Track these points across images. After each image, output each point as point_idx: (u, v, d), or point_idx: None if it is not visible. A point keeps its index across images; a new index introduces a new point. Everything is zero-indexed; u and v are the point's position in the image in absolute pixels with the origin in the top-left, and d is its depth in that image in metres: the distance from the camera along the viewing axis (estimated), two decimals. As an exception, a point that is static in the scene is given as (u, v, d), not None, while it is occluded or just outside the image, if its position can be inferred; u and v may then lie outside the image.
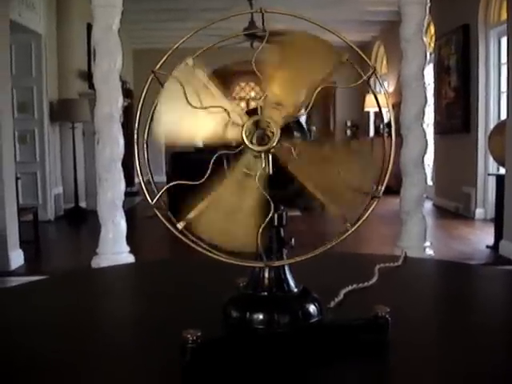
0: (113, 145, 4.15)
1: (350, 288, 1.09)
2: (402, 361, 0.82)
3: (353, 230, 0.83)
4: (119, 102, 4.22)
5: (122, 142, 4.24)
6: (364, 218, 0.83)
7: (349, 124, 12.20)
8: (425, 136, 4.26)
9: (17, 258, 4.44)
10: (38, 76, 6.62)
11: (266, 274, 0.85)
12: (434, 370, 0.79)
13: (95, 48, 4.08)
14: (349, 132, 12.18)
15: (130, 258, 4.20)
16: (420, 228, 4.30)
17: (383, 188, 0.83)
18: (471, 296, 1.17)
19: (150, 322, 0.98)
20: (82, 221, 6.77)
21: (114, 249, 4.18)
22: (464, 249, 5.08)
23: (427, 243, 4.36)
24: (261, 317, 0.81)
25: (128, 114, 9.53)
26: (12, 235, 4.38)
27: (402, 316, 0.96)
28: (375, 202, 0.83)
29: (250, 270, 0.87)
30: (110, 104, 4.13)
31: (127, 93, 9.79)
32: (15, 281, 4.05)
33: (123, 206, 4.31)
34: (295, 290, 0.85)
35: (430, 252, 4.33)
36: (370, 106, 10.55)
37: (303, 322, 0.82)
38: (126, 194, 9.51)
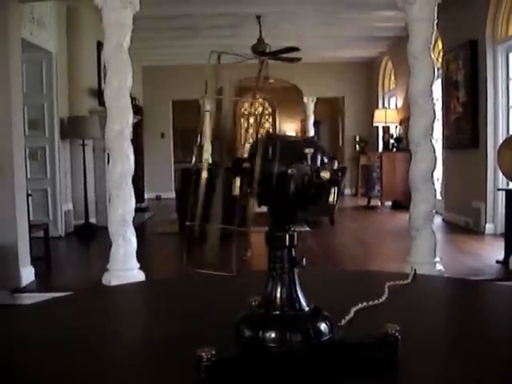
0: (123, 161, 4.18)
1: (360, 306, 1.10)
2: (412, 379, 0.84)
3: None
4: (129, 119, 4.26)
5: (132, 158, 4.27)
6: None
7: (357, 139, 12.22)
8: (434, 151, 4.27)
9: (28, 275, 4.46)
10: (48, 93, 6.69)
11: (278, 294, 0.87)
12: (444, 388, 0.81)
13: (106, 66, 4.14)
14: (358, 147, 12.19)
15: (141, 275, 4.22)
16: (430, 244, 4.30)
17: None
18: (481, 313, 1.18)
19: (163, 341, 1.00)
20: (92, 237, 6.81)
21: (125, 265, 4.20)
22: (474, 264, 5.06)
23: (437, 259, 4.35)
24: (273, 335, 0.83)
25: (137, 130, 9.64)
26: (23, 252, 4.42)
27: (411, 334, 0.97)
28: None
29: (263, 289, 0.89)
30: (121, 121, 4.17)
31: (137, 109, 9.89)
32: (27, 297, 4.09)
33: (133, 222, 4.33)
34: (306, 308, 0.87)
35: (439, 267, 4.32)
36: (379, 121, 10.57)
37: (315, 341, 0.83)
38: (136, 210, 9.57)
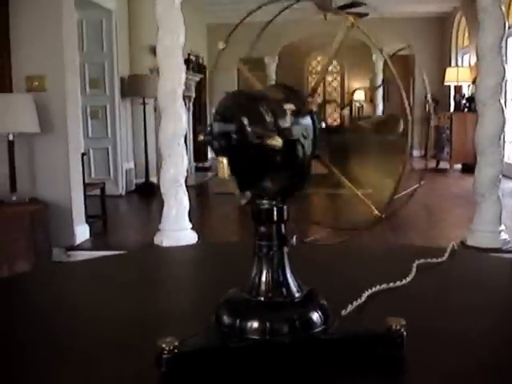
0: (176, 121, 4.10)
1: (375, 289, 0.96)
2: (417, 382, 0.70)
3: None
4: (182, 77, 4.15)
5: (184, 118, 4.20)
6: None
7: (428, 98, 11.72)
8: (503, 112, 3.98)
9: (83, 233, 4.50)
10: (108, 52, 6.67)
11: (264, 277, 0.74)
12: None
13: (158, 23, 4.03)
14: (428, 107, 11.70)
15: (193, 236, 4.18)
16: (495, 211, 4.05)
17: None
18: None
19: (131, 323, 0.90)
20: (151, 196, 6.83)
21: (177, 226, 4.17)
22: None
23: (502, 227, 4.10)
24: (253, 325, 0.71)
25: (200, 88, 9.56)
26: (78, 210, 4.45)
27: (428, 327, 0.83)
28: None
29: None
30: (173, 80, 4.08)
31: (200, 67, 9.80)
32: (79, 255, 4.12)
33: (186, 182, 4.27)
34: (297, 294, 0.74)
35: (504, 236, 4.08)
36: (451, 80, 10.09)
37: (302, 333, 0.71)
38: (198, 169, 9.59)
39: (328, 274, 0.96)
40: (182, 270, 1.28)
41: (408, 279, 1.03)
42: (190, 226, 4.24)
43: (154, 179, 7.35)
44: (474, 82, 9.49)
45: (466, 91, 10.03)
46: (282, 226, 0.74)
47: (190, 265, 1.33)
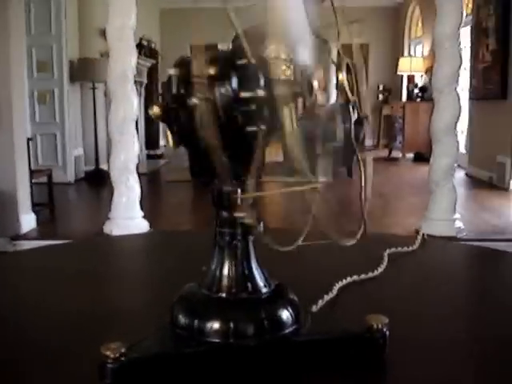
0: (126, 105, 3.95)
1: (347, 281, 0.88)
2: (402, 390, 0.62)
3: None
4: (133, 60, 3.99)
5: (135, 102, 4.04)
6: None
7: (381, 88, 11.79)
8: (458, 100, 3.96)
9: (28, 222, 4.31)
10: (57, 34, 6.42)
11: (226, 270, 0.64)
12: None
13: (108, 3, 3.86)
14: (381, 96, 11.77)
15: (144, 224, 4.05)
16: (449, 199, 4.05)
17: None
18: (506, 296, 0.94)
19: (73, 324, 0.79)
20: (102, 183, 6.61)
21: (127, 214, 4.02)
22: (497, 222, 4.79)
23: (456, 215, 4.11)
24: (213, 326, 0.61)
25: (152, 74, 9.33)
26: (23, 198, 4.25)
27: (408, 323, 0.75)
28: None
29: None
30: (124, 62, 3.92)
31: (151, 52, 9.57)
32: (25, 244, 3.93)
33: (137, 170, 4.13)
34: (264, 290, 0.64)
35: (458, 225, 4.08)
36: (404, 70, 10.15)
37: (270, 334, 0.61)
38: (150, 157, 9.40)
39: (292, 265, 0.86)
40: (133, 262, 1.16)
41: (380, 269, 0.95)
42: (142, 214, 4.11)
43: (104, 166, 7.14)
44: (426, 71, 9.58)
45: (419, 81, 10.11)
46: (248, 211, 0.64)
47: (142, 256, 1.22)
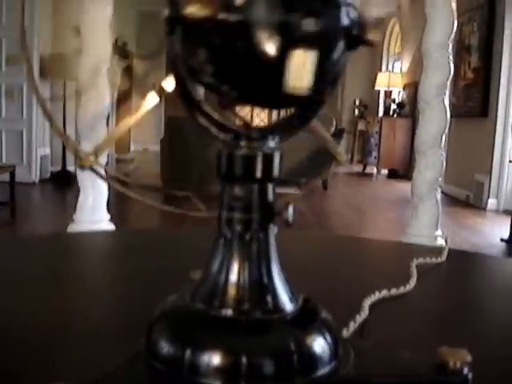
0: (97, 100, 3.70)
1: (376, 296, 0.67)
2: None
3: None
4: (107, 55, 3.73)
5: (108, 99, 3.80)
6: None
7: (357, 103, 11.71)
8: (446, 112, 3.82)
9: (-13, 221, 4.03)
10: (29, 27, 6.13)
11: (234, 276, 0.43)
12: None
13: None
14: (357, 111, 11.69)
15: (110, 228, 3.80)
16: (432, 215, 3.88)
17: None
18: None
19: (16, 353, 0.56)
20: (68, 185, 6.33)
21: (93, 216, 3.77)
22: (477, 241, 4.66)
23: (439, 232, 3.95)
24: (214, 360, 0.39)
25: (127, 77, 9.09)
26: (-18, 195, 3.97)
27: (487, 358, 0.54)
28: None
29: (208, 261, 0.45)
30: (97, 56, 3.65)
31: (126, 54, 9.35)
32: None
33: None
34: (288, 306, 0.43)
35: (441, 242, 3.92)
36: (382, 85, 10.08)
37: (301, 376, 0.40)
38: (119, 161, 9.13)
39: (306, 272, 0.66)
40: (94, 264, 0.94)
41: (412, 284, 0.74)
42: (108, 217, 3.86)
43: (71, 168, 6.85)
44: (404, 87, 9.51)
45: (397, 97, 10.04)
46: (270, 187, 0.43)
47: (108, 256, 1.00)
